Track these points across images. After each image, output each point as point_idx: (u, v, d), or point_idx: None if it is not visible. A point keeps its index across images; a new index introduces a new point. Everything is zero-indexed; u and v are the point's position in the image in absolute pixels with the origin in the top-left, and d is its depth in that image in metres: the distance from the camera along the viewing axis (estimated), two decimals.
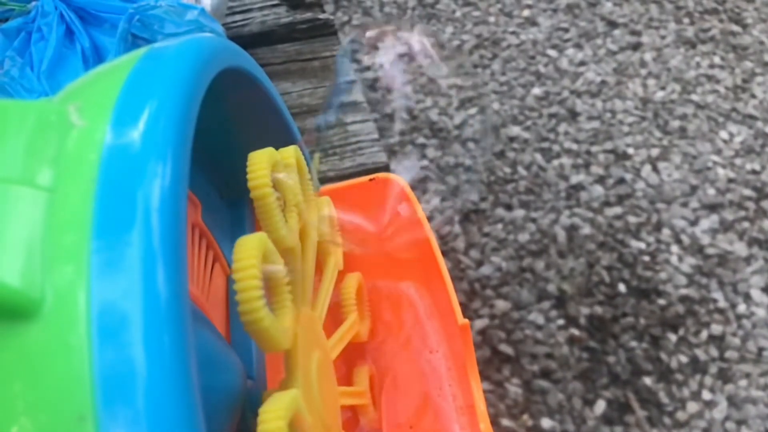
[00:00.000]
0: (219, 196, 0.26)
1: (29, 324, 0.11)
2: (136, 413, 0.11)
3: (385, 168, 0.44)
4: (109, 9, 0.36)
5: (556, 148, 1.09)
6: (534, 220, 1.00)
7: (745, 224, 0.98)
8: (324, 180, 0.43)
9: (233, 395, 0.19)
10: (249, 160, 0.19)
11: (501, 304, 0.91)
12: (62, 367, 0.11)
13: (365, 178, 0.28)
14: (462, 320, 0.23)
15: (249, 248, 0.16)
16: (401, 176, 0.28)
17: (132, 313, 0.11)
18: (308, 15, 0.52)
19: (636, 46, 1.23)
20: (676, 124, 1.11)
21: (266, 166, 0.18)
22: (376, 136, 0.46)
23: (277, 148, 0.20)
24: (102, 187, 0.12)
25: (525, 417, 0.81)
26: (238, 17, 0.51)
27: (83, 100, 0.14)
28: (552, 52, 1.24)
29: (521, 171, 1.07)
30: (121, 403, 0.11)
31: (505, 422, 0.81)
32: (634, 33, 1.25)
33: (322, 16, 0.52)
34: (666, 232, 0.97)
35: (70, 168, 0.13)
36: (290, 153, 0.20)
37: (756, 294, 0.91)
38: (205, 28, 0.36)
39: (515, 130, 1.13)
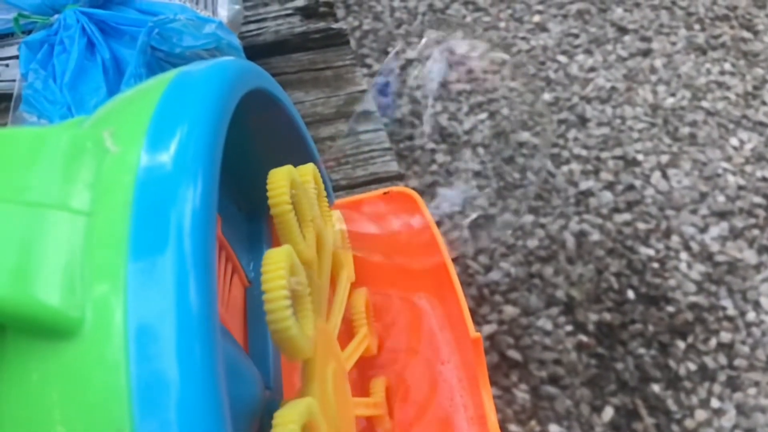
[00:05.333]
0: (237, 209, 0.27)
1: (70, 342, 0.12)
2: (170, 424, 0.12)
3: (397, 176, 0.45)
4: (129, 22, 0.36)
5: (565, 154, 1.10)
6: (543, 226, 1.00)
7: (755, 232, 0.98)
8: (336, 188, 0.44)
9: (252, 405, 0.20)
10: (269, 177, 0.20)
11: (509, 310, 0.92)
12: (101, 383, 0.12)
13: (379, 192, 0.29)
14: (474, 333, 0.23)
15: (277, 260, 0.17)
16: (411, 181, 0.29)
17: (166, 331, 0.12)
18: (321, 25, 0.53)
19: (646, 53, 1.23)
20: (686, 130, 1.11)
21: (285, 184, 0.19)
22: (387, 145, 0.47)
23: (294, 163, 0.21)
24: (137, 210, 0.13)
25: (533, 423, 0.82)
26: (252, 27, 0.52)
27: (116, 126, 0.15)
28: (562, 58, 1.24)
29: (530, 176, 1.07)
30: (157, 415, 0.12)
31: (513, 428, 0.81)
32: (644, 39, 1.25)
33: (335, 25, 0.53)
34: (675, 239, 0.97)
35: (107, 193, 0.13)
36: (308, 170, 0.21)
37: (766, 302, 0.91)
38: (222, 40, 0.37)
39: (525, 135, 1.13)
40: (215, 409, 0.12)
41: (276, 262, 0.16)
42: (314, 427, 0.16)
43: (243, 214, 0.27)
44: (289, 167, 0.20)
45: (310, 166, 0.22)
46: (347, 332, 0.26)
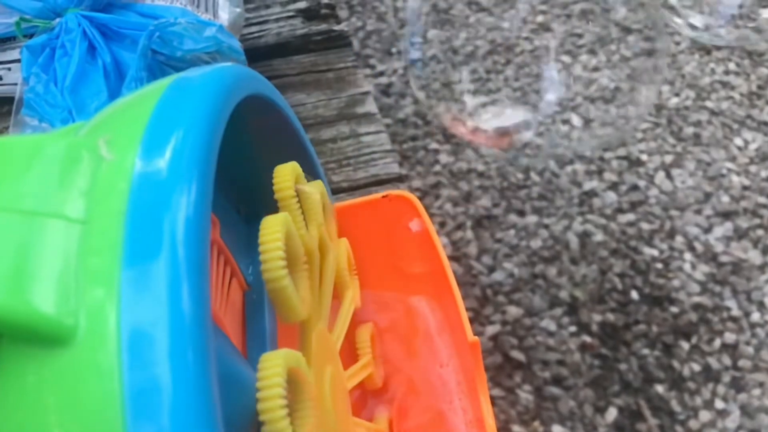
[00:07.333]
0: (236, 213, 0.27)
1: (65, 349, 0.12)
2: (163, 430, 0.12)
3: (398, 178, 0.45)
4: (130, 25, 0.37)
5: (569, 154, 1.10)
6: (547, 227, 1.00)
7: (760, 232, 0.97)
8: (337, 190, 0.44)
9: (249, 409, 0.20)
10: (275, 171, 0.21)
11: (513, 311, 0.92)
12: (95, 389, 0.12)
13: (378, 195, 0.29)
14: (472, 337, 0.23)
15: (274, 222, 0.18)
16: (414, 182, 0.29)
17: (160, 338, 0.12)
18: (323, 27, 0.53)
19: (650, 52, 1.23)
20: (690, 130, 1.10)
21: (291, 173, 0.20)
22: (389, 147, 0.47)
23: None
24: (131, 218, 0.13)
25: (536, 423, 0.82)
26: (254, 29, 0.52)
27: (112, 133, 0.15)
28: (565, 58, 1.24)
29: (534, 177, 1.07)
30: (150, 421, 0.12)
31: (516, 429, 0.81)
32: (648, 39, 1.25)
33: (336, 27, 0.53)
34: (679, 240, 0.97)
35: (102, 200, 0.13)
36: (316, 187, 0.22)
37: None
38: (223, 43, 0.37)
39: (528, 135, 1.13)
40: (208, 415, 0.12)
41: (273, 221, 0.17)
42: (300, 377, 0.17)
43: (242, 218, 0.27)
44: (294, 163, 0.21)
45: (319, 183, 0.22)
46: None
